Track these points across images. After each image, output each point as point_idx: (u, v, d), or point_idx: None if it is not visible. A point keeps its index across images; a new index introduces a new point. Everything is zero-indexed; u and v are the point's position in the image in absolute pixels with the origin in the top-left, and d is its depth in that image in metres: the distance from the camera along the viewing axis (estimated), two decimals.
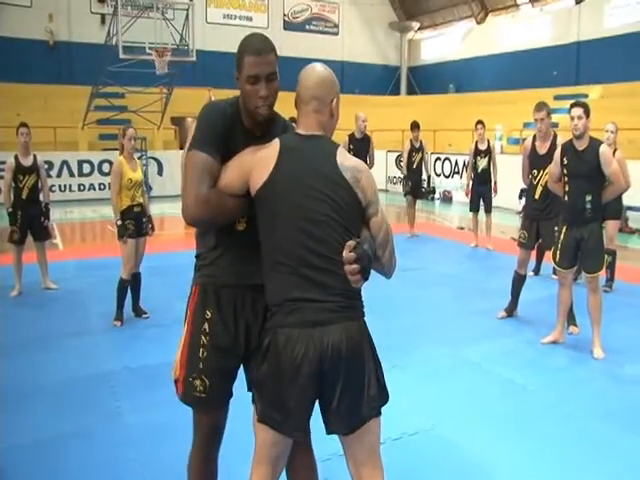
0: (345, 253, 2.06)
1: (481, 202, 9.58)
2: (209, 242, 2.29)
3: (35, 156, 6.98)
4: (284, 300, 2.10)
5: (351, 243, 2.07)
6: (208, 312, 2.26)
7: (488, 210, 9.51)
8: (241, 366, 2.36)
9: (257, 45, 2.13)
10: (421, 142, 10.45)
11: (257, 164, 2.13)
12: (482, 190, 9.41)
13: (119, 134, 5.89)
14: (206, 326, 2.26)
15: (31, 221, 6.91)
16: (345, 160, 2.14)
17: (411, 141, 10.49)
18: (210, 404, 2.31)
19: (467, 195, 9.80)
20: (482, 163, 9.35)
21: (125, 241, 5.70)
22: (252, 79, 2.11)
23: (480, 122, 9.42)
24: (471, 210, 9.72)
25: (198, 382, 2.26)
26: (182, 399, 2.33)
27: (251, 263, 2.21)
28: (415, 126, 10.41)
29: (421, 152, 10.40)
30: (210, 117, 2.17)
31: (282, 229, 2.11)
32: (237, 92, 2.24)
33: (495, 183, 9.44)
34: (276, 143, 2.15)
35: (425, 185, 10.82)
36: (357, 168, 2.15)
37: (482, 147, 9.38)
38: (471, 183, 9.56)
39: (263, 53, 2.12)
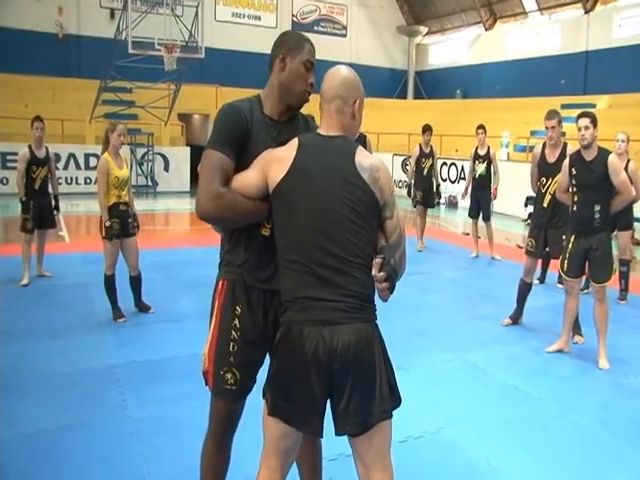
0: (374, 272, 2.08)
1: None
2: (233, 247, 2.34)
3: (47, 148, 7.16)
4: (296, 297, 2.11)
5: (378, 261, 2.08)
6: (238, 308, 2.31)
7: (485, 218, 9.22)
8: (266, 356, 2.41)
9: (311, 41, 2.34)
10: (432, 147, 9.85)
11: (275, 163, 2.15)
12: (479, 196, 9.21)
13: (107, 129, 5.64)
14: (236, 322, 2.31)
15: (42, 211, 7.07)
16: (363, 159, 2.14)
17: (420, 146, 9.86)
18: (239, 395, 2.37)
19: (463, 198, 9.70)
20: (480, 168, 9.15)
21: (111, 239, 5.63)
22: (309, 64, 2.28)
23: (481, 127, 9.19)
24: (470, 216, 9.46)
25: (229, 375, 2.31)
26: (212, 391, 2.38)
27: (275, 270, 2.24)
28: (427, 129, 9.74)
29: (431, 158, 9.79)
30: (225, 118, 2.24)
31: (297, 228, 2.12)
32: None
33: (495, 189, 9.22)
34: (295, 142, 2.17)
35: (436, 193, 10.11)
36: (375, 167, 2.14)
37: (481, 152, 9.17)
38: (470, 188, 9.38)
39: (314, 49, 2.33)
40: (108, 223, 5.57)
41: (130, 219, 5.76)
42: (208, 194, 2.12)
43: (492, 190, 9.21)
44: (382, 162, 2.20)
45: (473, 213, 9.37)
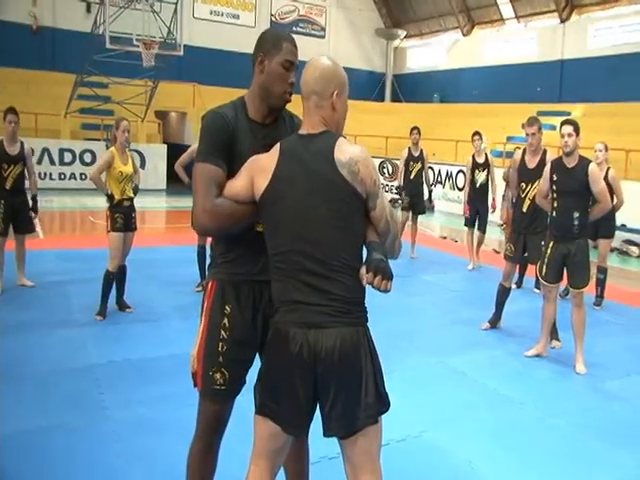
0: (362, 275, 2.07)
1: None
2: (226, 244, 2.34)
3: (22, 144, 6.54)
4: (284, 301, 2.13)
5: (362, 269, 2.08)
6: (227, 307, 2.31)
7: (482, 230, 8.85)
8: (256, 356, 2.41)
9: (292, 39, 2.30)
10: (421, 150, 9.40)
11: (259, 173, 2.15)
12: (479, 206, 8.77)
13: (113, 126, 5.83)
14: (225, 321, 2.31)
15: (15, 213, 6.50)
16: (341, 155, 2.07)
17: (410, 149, 9.44)
18: (228, 395, 2.37)
19: (465, 213, 9.10)
20: (480, 177, 8.66)
21: (117, 231, 5.70)
22: (288, 64, 2.25)
23: (477, 133, 8.71)
24: (466, 225, 9.05)
25: (218, 375, 2.31)
26: (201, 392, 2.37)
27: (267, 262, 2.24)
28: (413, 129, 9.33)
29: (421, 162, 9.38)
30: (211, 127, 2.25)
31: (281, 236, 2.13)
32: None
33: (494, 200, 8.82)
34: (276, 149, 2.16)
35: (427, 199, 9.64)
36: (354, 160, 2.07)
37: (479, 160, 8.67)
38: (468, 199, 8.92)
39: (296, 47, 2.29)
40: (115, 215, 5.69)
41: (133, 214, 5.90)
42: (204, 209, 2.15)
43: (491, 202, 8.82)
44: (362, 152, 2.12)
45: (470, 222, 8.94)
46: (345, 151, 2.09)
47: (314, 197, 2.08)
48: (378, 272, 2.05)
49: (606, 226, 6.67)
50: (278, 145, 2.16)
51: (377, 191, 2.13)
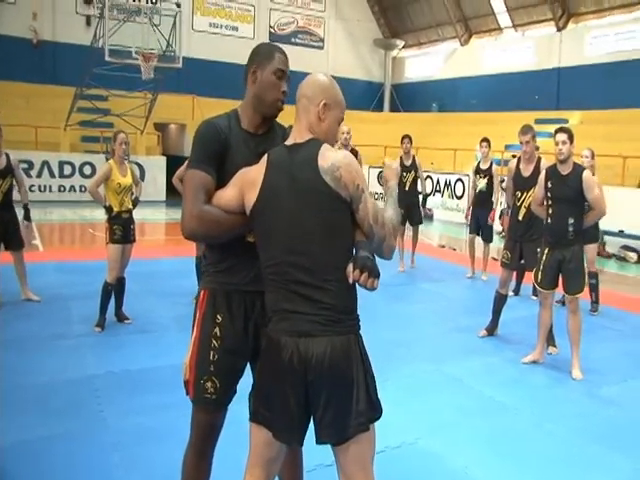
0: (348, 272, 2.09)
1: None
2: (218, 254, 2.37)
3: (8, 156, 6.38)
4: (275, 310, 2.16)
5: (348, 267, 2.10)
6: (219, 316, 2.34)
7: (485, 239, 8.66)
8: (248, 365, 2.44)
9: (282, 50, 2.39)
10: (414, 158, 9.21)
11: (248, 185, 2.18)
12: (479, 213, 8.58)
13: (111, 138, 5.88)
14: (217, 330, 2.34)
15: (6, 228, 6.39)
16: (324, 162, 2.10)
17: (401, 158, 9.17)
18: (219, 404, 2.39)
19: (466, 218, 9.03)
20: (480, 183, 8.56)
21: (116, 243, 5.73)
22: (280, 73, 2.32)
23: (485, 140, 8.64)
24: (471, 232, 8.93)
25: (209, 384, 2.33)
26: (193, 400, 2.40)
27: (258, 272, 2.27)
28: (404, 137, 9.12)
29: (414, 171, 9.15)
30: (204, 136, 2.30)
31: (272, 247, 2.16)
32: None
33: (493, 211, 8.51)
34: (264, 161, 2.20)
35: (422, 207, 9.49)
36: (336, 166, 2.09)
37: (484, 166, 8.56)
38: (471, 204, 8.86)
39: (286, 57, 2.37)
40: (114, 227, 5.70)
41: (132, 226, 5.90)
42: (192, 214, 2.19)
43: (490, 213, 8.50)
44: (345, 157, 2.13)
45: (472, 229, 8.84)
46: (328, 157, 2.11)
47: (302, 207, 2.11)
48: (364, 270, 2.07)
49: (591, 231, 6.66)
50: (266, 156, 2.20)
51: (360, 195, 2.14)
